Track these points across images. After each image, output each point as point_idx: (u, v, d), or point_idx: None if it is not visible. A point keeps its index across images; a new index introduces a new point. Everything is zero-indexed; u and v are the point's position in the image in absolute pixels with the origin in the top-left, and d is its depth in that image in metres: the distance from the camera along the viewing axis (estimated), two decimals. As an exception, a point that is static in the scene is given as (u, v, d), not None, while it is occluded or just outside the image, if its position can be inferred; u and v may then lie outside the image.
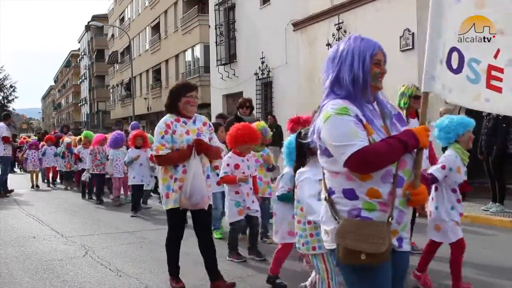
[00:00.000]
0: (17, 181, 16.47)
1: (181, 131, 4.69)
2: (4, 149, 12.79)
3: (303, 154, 4.01)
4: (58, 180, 16.75)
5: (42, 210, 10.64)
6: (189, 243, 7.12)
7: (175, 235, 4.96)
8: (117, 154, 11.00)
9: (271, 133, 7.26)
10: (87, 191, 12.41)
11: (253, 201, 6.03)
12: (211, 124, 5.03)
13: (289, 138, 4.60)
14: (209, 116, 26.68)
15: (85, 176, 11.98)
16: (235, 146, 5.90)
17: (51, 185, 16.01)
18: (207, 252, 4.97)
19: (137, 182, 9.85)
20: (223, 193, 6.65)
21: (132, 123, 14.09)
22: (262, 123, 7.12)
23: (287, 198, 4.62)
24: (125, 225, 8.70)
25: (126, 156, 10.12)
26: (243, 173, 5.88)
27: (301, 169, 3.99)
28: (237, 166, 5.89)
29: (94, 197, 12.10)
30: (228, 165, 5.88)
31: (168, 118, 4.75)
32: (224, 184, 6.18)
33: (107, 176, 11.71)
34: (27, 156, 15.59)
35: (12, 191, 13.30)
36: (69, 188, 14.96)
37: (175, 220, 4.87)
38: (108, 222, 9.07)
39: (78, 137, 14.60)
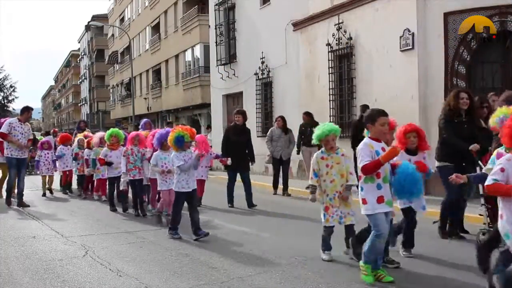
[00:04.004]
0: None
1: None
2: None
3: None
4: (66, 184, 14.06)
5: (42, 210, 10.63)
6: (189, 243, 7.15)
7: None
8: (163, 158, 8.27)
9: None
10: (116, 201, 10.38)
11: None
12: None
13: None
14: (209, 116, 26.69)
15: (123, 184, 9.73)
16: None
17: (67, 191, 13.63)
18: None
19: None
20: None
21: (144, 120, 12.85)
22: None
23: None
24: (125, 225, 8.69)
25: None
26: None
27: None
28: None
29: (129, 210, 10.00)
30: (503, 170, 3.94)
31: None
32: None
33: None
34: (39, 158, 13.28)
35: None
36: (86, 196, 12.75)
37: None
38: (108, 222, 9.06)
39: (88, 137, 12.67)
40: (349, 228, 5.93)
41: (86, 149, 12.57)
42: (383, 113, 4.98)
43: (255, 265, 5.83)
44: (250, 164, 10.88)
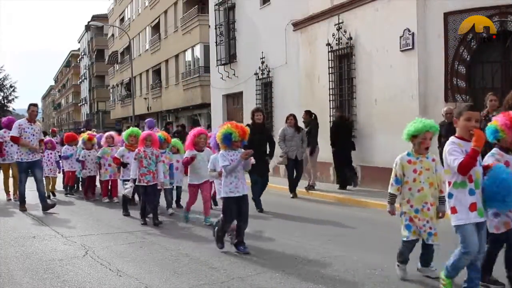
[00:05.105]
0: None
1: None
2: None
3: None
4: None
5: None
6: (189, 244, 7.15)
7: None
8: (216, 157, 6.97)
9: None
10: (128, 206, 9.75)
11: None
12: None
13: None
14: (209, 116, 26.69)
15: (128, 189, 8.98)
16: None
17: (69, 192, 13.27)
18: None
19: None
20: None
21: (148, 119, 12.63)
22: None
23: None
24: (125, 225, 8.69)
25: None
26: None
27: None
28: None
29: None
30: None
31: None
32: None
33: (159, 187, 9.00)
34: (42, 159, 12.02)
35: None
36: (87, 199, 12.30)
37: None
38: (108, 222, 9.06)
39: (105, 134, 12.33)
40: (431, 247, 5.11)
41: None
42: (471, 108, 4.43)
43: (255, 265, 5.83)
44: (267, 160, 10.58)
